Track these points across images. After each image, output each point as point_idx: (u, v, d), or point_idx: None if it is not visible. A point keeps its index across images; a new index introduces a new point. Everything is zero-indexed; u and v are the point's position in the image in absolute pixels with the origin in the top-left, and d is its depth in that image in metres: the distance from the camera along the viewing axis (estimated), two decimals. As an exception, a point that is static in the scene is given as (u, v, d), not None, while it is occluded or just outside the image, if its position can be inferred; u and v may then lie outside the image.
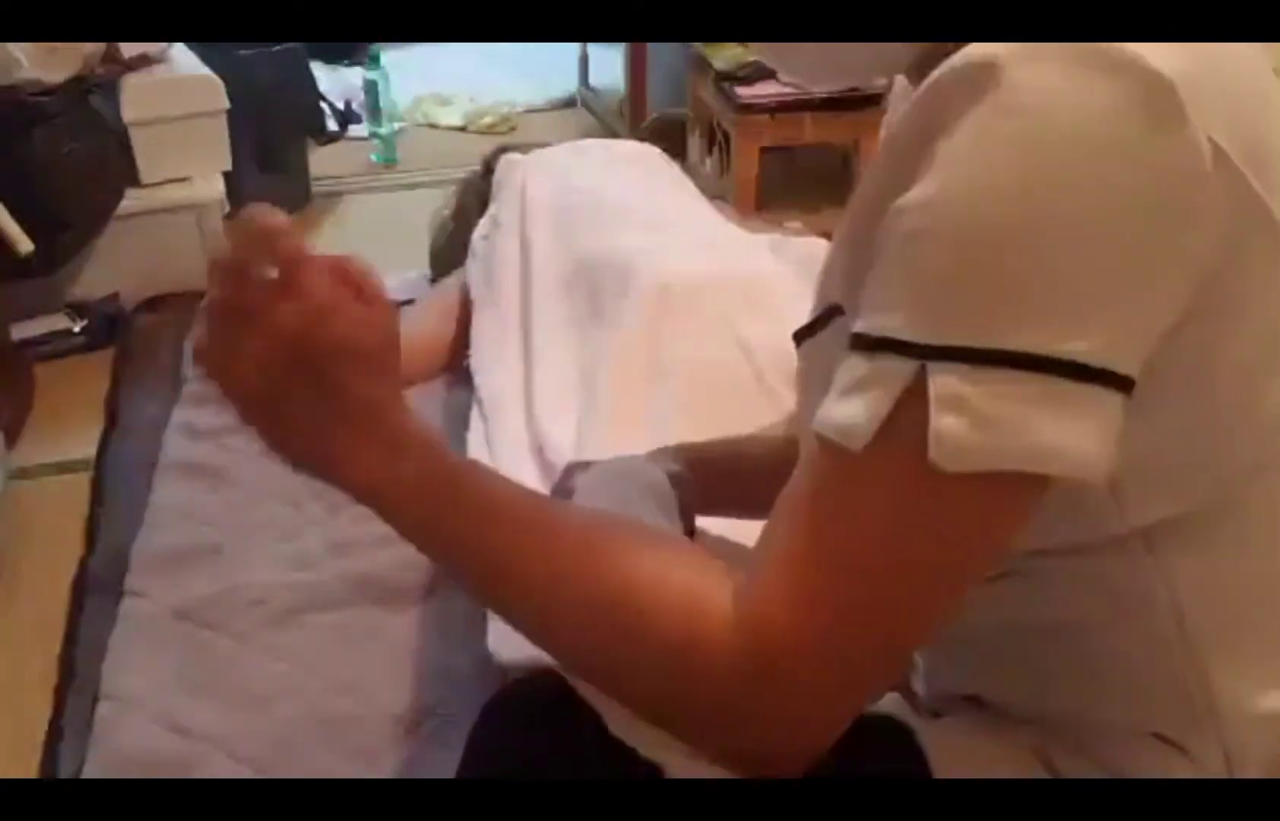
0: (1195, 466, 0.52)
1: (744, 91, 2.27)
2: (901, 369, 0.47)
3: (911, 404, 0.47)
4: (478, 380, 1.49)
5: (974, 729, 0.61)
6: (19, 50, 1.79)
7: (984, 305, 0.46)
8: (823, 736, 0.52)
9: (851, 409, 0.48)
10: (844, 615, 0.49)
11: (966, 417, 0.46)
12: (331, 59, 3.26)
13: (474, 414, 1.47)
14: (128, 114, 1.99)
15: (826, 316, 0.59)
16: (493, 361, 1.49)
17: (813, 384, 0.58)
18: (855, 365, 0.49)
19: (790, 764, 0.53)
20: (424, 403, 1.65)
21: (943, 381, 0.46)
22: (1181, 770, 0.55)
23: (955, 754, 0.58)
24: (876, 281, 0.50)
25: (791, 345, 1.20)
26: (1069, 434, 0.46)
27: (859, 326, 0.50)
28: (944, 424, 0.46)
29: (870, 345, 0.49)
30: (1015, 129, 0.46)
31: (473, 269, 1.69)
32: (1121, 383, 0.47)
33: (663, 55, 2.78)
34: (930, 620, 0.51)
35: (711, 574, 0.53)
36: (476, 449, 1.37)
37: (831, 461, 0.49)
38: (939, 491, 0.47)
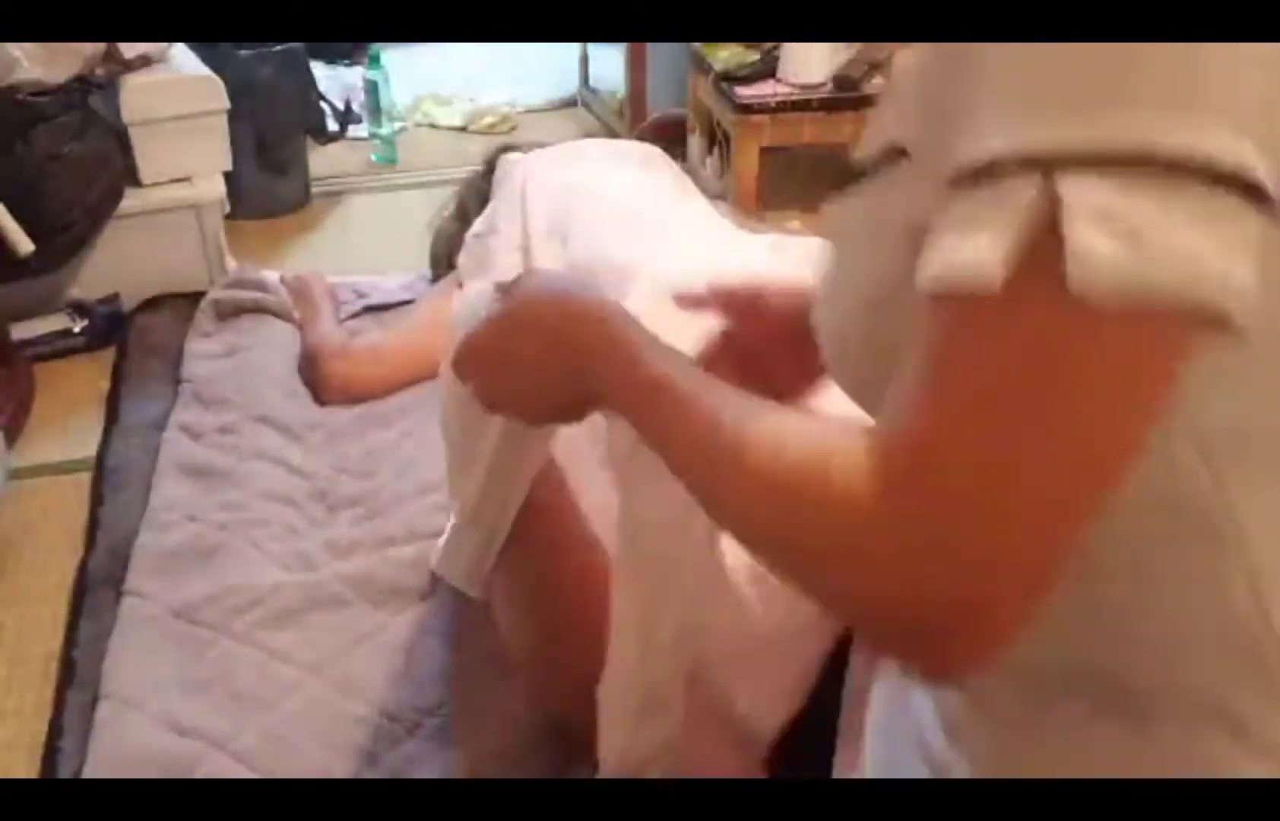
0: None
1: (744, 91, 2.27)
2: (1023, 189, 0.40)
3: (1044, 225, 0.40)
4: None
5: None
6: (18, 50, 1.80)
7: (1114, 96, 0.39)
8: (977, 584, 0.43)
9: (972, 247, 0.41)
10: (995, 450, 0.42)
11: (1110, 229, 0.39)
12: (331, 59, 3.26)
13: None
14: (128, 114, 1.99)
15: (881, 161, 0.51)
16: None
17: (853, 243, 0.51)
18: (961, 206, 0.42)
19: (945, 616, 0.44)
20: (423, 402, 1.65)
21: (1077, 191, 0.39)
22: (1243, 762, 0.49)
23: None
24: (974, 101, 0.43)
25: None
26: (1229, 257, 0.39)
27: (959, 160, 0.42)
28: (1085, 239, 0.39)
29: (976, 176, 0.41)
30: None
31: (465, 266, 1.69)
32: (1266, 203, 0.39)
33: (663, 55, 2.78)
34: (1086, 485, 0.43)
35: (845, 428, 0.48)
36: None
37: (959, 309, 0.42)
38: (1089, 327, 0.40)
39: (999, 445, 0.42)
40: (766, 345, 0.79)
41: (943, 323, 0.43)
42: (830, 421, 0.50)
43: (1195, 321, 0.40)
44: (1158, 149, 0.39)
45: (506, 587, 1.12)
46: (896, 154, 0.50)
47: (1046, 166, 0.40)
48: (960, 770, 0.56)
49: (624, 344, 0.65)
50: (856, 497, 0.44)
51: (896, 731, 0.62)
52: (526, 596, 1.10)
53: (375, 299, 1.98)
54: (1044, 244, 0.40)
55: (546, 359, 0.69)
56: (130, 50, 2.00)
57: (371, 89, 2.82)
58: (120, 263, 2.01)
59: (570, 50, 3.18)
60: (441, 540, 1.20)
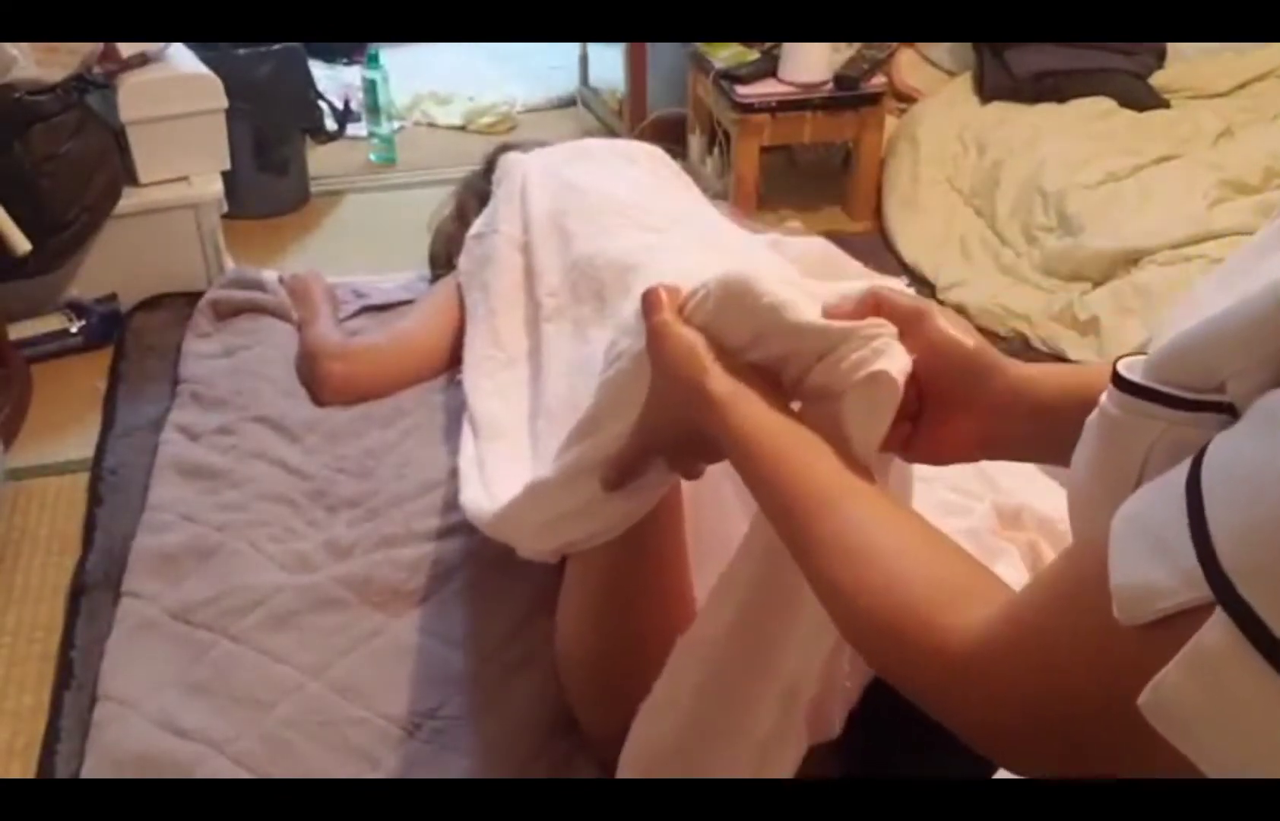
0: None
1: (744, 91, 2.27)
2: (1199, 585, 0.37)
3: (1184, 624, 0.38)
4: (471, 402, 1.48)
5: None
6: (15, 49, 1.79)
7: None
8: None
9: (1142, 574, 0.40)
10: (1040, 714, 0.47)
11: (1206, 694, 0.37)
12: (330, 58, 3.26)
13: (465, 432, 1.45)
14: (125, 113, 1.98)
15: (1197, 404, 0.44)
16: (489, 392, 1.48)
17: (1127, 448, 0.47)
18: (1175, 512, 0.39)
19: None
20: (422, 402, 1.64)
21: (1215, 637, 0.37)
22: None
23: None
24: (1243, 441, 0.39)
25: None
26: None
27: (1207, 472, 0.39)
28: (1176, 678, 0.38)
29: (1198, 528, 0.38)
30: None
31: (464, 266, 1.69)
32: None
33: (663, 55, 2.77)
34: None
35: (980, 580, 0.55)
36: (467, 468, 1.36)
37: (1097, 601, 0.42)
38: (1131, 720, 0.40)
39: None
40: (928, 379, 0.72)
41: (1097, 592, 0.43)
42: (947, 559, 0.56)
43: None
44: None
45: (581, 592, 1.09)
46: (1226, 409, 0.44)
47: (1223, 591, 0.37)
48: None
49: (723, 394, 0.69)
50: (952, 664, 0.50)
51: None
52: (598, 615, 1.07)
53: (374, 299, 1.97)
54: (1177, 635, 0.38)
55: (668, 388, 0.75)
56: (128, 49, 1.99)
57: (370, 88, 2.81)
58: (118, 262, 2.00)
59: (570, 50, 3.18)
60: (502, 488, 1.14)
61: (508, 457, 1.32)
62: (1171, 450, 0.44)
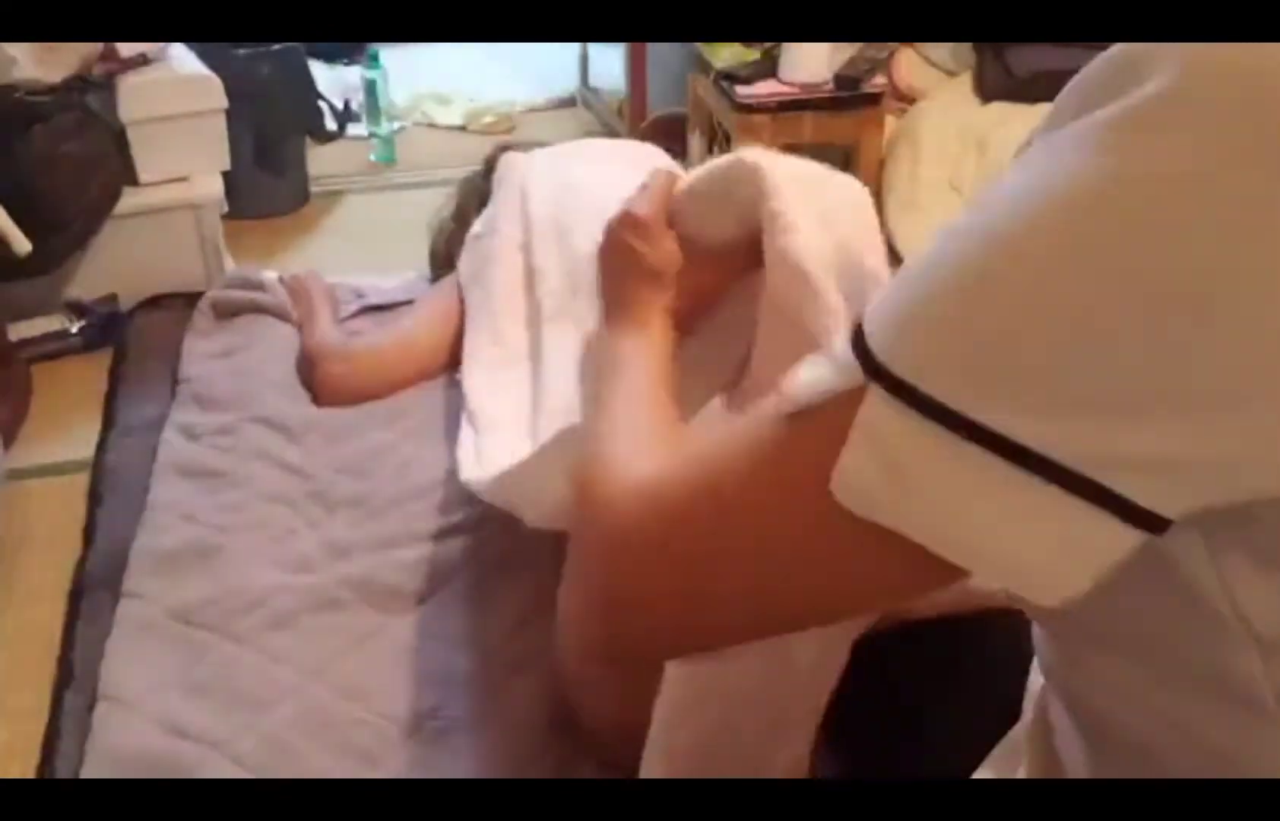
0: None
1: (744, 91, 2.27)
2: (853, 369, 0.42)
3: (845, 410, 0.42)
4: (469, 399, 1.48)
5: None
6: (15, 49, 1.79)
7: (963, 362, 0.39)
8: (607, 626, 0.53)
9: (808, 374, 0.45)
10: (681, 538, 0.49)
11: (881, 463, 0.41)
12: (330, 58, 3.25)
13: (464, 426, 1.46)
14: (125, 113, 1.98)
15: None
16: (488, 390, 1.48)
17: None
18: (843, 337, 0.44)
19: (587, 646, 0.56)
20: (422, 403, 1.64)
21: (875, 410, 0.41)
22: None
23: None
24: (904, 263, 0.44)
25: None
26: (1021, 539, 0.39)
27: (870, 302, 0.44)
28: (852, 458, 0.41)
29: (855, 329, 0.43)
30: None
31: (464, 268, 1.69)
32: (1139, 515, 0.38)
33: (663, 55, 2.77)
34: (748, 617, 0.49)
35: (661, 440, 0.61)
36: (467, 463, 1.36)
37: (766, 406, 0.46)
38: (825, 515, 0.42)
39: (707, 549, 0.48)
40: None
41: (765, 404, 0.46)
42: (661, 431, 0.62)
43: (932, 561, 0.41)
44: (988, 424, 0.38)
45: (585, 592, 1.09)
46: None
47: (874, 369, 0.41)
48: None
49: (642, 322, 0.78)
50: (607, 508, 0.53)
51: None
52: None
53: (374, 299, 1.97)
54: (836, 424, 0.42)
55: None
56: (128, 49, 1.99)
57: (370, 88, 2.81)
58: (118, 263, 2.00)
59: (570, 50, 3.18)
60: (508, 456, 1.17)
61: (505, 449, 1.32)
62: None
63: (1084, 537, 0.39)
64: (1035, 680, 0.64)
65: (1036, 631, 0.56)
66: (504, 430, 1.38)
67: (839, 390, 0.42)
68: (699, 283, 0.84)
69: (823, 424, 0.43)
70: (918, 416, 0.40)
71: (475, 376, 1.51)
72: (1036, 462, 0.38)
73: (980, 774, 0.65)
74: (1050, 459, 0.38)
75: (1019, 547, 0.40)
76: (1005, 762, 0.64)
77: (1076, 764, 0.55)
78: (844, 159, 2.53)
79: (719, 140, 2.47)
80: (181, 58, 2.12)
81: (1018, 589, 0.41)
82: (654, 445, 0.59)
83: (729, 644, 0.52)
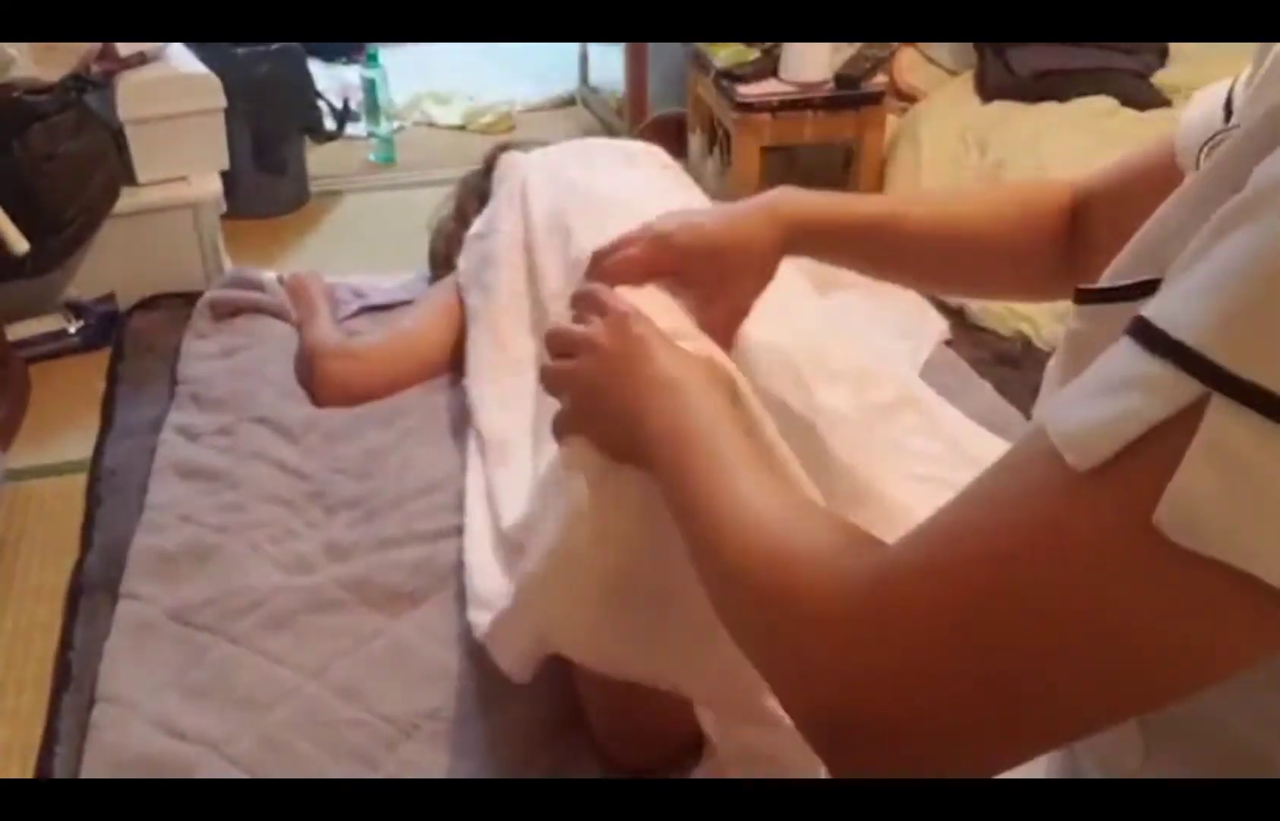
0: None
1: (744, 90, 2.27)
2: (1179, 386, 0.36)
3: (1171, 435, 0.36)
4: (478, 416, 1.48)
5: None
6: (14, 48, 1.79)
7: None
8: (894, 733, 0.44)
9: (1096, 410, 0.39)
10: (969, 630, 0.41)
11: (1229, 481, 0.35)
12: (329, 58, 3.25)
13: (472, 452, 1.45)
14: (124, 112, 1.98)
15: (1142, 288, 0.45)
16: (495, 403, 1.48)
17: (1092, 356, 0.46)
18: (1124, 357, 0.39)
19: (871, 746, 0.45)
20: (422, 403, 1.64)
21: (1221, 423, 0.35)
22: None
23: None
24: (1193, 267, 0.38)
25: (788, 340, 1.18)
26: None
27: (1148, 311, 0.39)
28: (1193, 480, 0.36)
29: (1153, 340, 0.38)
30: None
31: (464, 268, 1.69)
32: None
33: (663, 55, 2.77)
34: (1080, 711, 0.41)
35: (850, 532, 0.50)
36: (476, 498, 1.36)
37: (1045, 467, 0.40)
38: (1143, 562, 0.37)
39: (980, 659, 0.41)
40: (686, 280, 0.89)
41: (1035, 466, 0.41)
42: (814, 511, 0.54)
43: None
44: None
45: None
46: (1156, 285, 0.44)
47: (1215, 378, 0.36)
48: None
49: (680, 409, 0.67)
50: (824, 622, 0.45)
51: None
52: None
53: (373, 299, 1.97)
54: (1162, 452, 0.37)
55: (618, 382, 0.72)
56: (126, 48, 1.99)
57: (369, 87, 2.81)
58: (116, 262, 2.00)
59: (570, 49, 3.18)
60: (484, 615, 1.14)
61: (513, 485, 1.32)
62: None
63: None
64: None
65: None
66: (511, 458, 1.37)
67: (1162, 417, 0.37)
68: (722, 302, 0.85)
69: (1143, 461, 0.37)
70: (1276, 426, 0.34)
71: (480, 388, 1.51)
72: None
73: None
74: None
75: None
76: None
77: (1121, 764, 0.52)
78: (844, 158, 2.53)
79: (719, 140, 2.46)
80: (180, 57, 2.12)
81: None
82: (857, 536, 0.50)
83: (1050, 745, 0.44)
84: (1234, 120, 0.60)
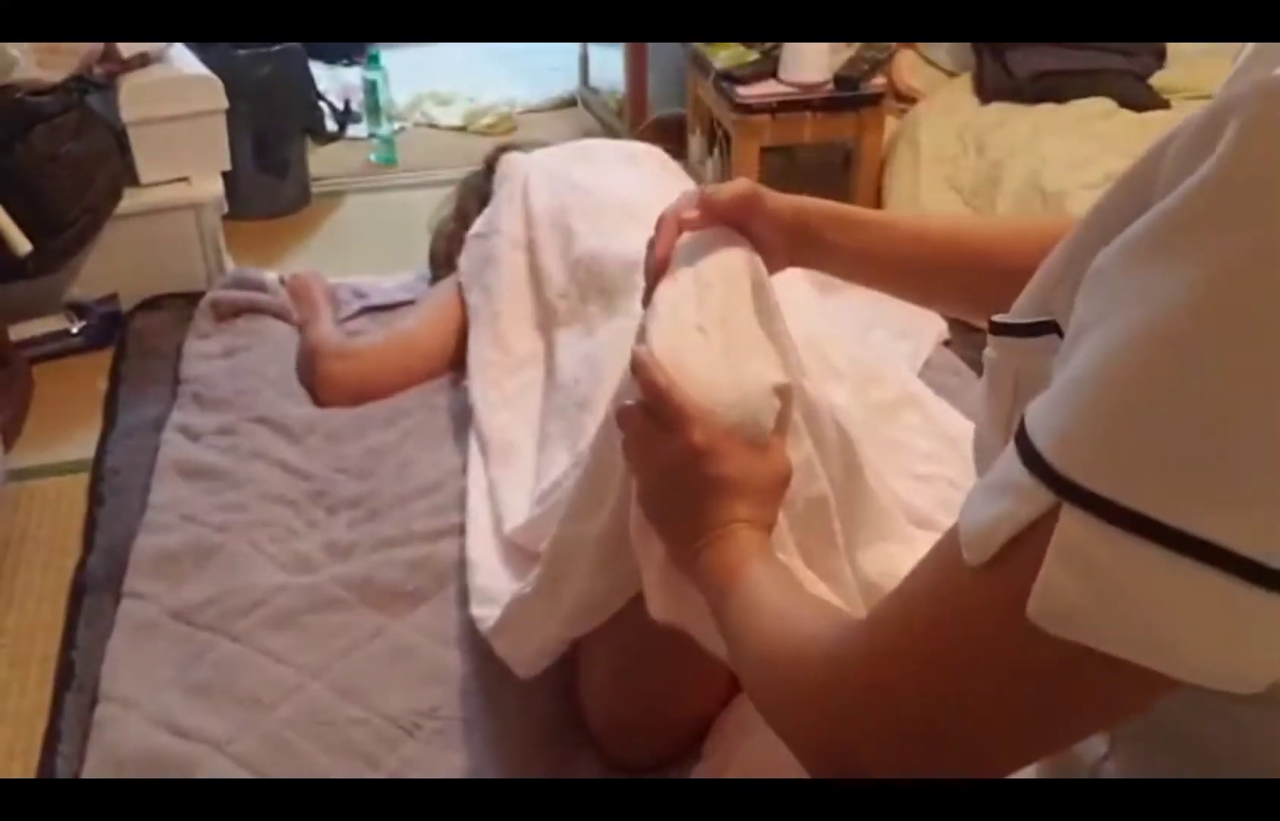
0: None
1: (744, 91, 2.27)
2: (1037, 494, 0.41)
3: (1035, 537, 0.41)
4: (479, 417, 1.48)
5: None
6: (17, 49, 1.79)
7: (1162, 470, 0.38)
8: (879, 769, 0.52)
9: (985, 511, 0.44)
10: (907, 719, 0.49)
11: (1084, 580, 0.40)
12: (331, 59, 3.25)
13: (473, 452, 1.45)
14: (126, 113, 1.98)
15: (1041, 328, 0.51)
16: (497, 404, 1.48)
17: (1000, 383, 0.54)
18: (1008, 459, 0.43)
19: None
20: (422, 403, 1.64)
21: (1072, 529, 0.40)
22: None
23: None
24: (1060, 370, 0.43)
25: (797, 339, 1.18)
26: (1223, 642, 0.39)
27: (1027, 415, 0.43)
28: (1053, 578, 0.40)
29: (1025, 447, 0.42)
30: None
31: (465, 267, 1.69)
32: None
33: (663, 55, 2.77)
34: (996, 756, 0.48)
35: (827, 633, 0.58)
36: (478, 498, 1.36)
37: (951, 557, 0.46)
38: (1031, 645, 0.42)
39: (929, 714, 0.48)
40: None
41: (945, 553, 0.47)
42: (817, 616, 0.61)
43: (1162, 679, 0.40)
44: (1193, 532, 0.38)
45: (607, 656, 1.08)
46: (1053, 327, 0.50)
47: (1063, 489, 0.40)
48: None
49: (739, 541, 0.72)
50: (821, 700, 0.54)
51: None
52: (625, 668, 1.08)
53: (374, 299, 1.97)
54: (1030, 554, 0.41)
55: (685, 486, 0.75)
56: (128, 49, 1.99)
57: (370, 88, 2.81)
58: (118, 263, 2.00)
59: (570, 50, 3.18)
60: (488, 610, 1.15)
61: (515, 486, 1.32)
62: (1030, 376, 0.50)
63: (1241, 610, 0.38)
64: None
65: None
66: (513, 460, 1.38)
67: (1025, 522, 0.42)
68: None
69: (1019, 559, 0.42)
70: (1119, 532, 0.39)
71: (482, 390, 1.51)
72: (1256, 572, 0.37)
73: None
74: (1269, 567, 0.37)
75: (1237, 653, 0.39)
76: None
77: (1088, 752, 0.55)
78: (843, 159, 2.53)
79: (719, 140, 2.47)
80: (182, 58, 2.12)
81: (1229, 687, 0.40)
82: (826, 619, 0.60)
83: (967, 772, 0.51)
84: None
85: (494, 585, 1.21)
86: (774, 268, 0.87)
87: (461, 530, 1.37)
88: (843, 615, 0.63)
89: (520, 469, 1.36)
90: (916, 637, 0.48)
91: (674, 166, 1.85)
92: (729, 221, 0.87)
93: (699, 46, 2.44)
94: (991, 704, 0.46)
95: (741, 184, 0.88)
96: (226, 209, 2.15)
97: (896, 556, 0.94)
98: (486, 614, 1.15)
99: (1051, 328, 0.50)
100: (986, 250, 0.84)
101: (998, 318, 0.55)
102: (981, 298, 0.84)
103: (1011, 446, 0.43)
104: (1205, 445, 0.37)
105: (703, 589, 0.72)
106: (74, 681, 1.25)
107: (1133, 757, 0.54)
